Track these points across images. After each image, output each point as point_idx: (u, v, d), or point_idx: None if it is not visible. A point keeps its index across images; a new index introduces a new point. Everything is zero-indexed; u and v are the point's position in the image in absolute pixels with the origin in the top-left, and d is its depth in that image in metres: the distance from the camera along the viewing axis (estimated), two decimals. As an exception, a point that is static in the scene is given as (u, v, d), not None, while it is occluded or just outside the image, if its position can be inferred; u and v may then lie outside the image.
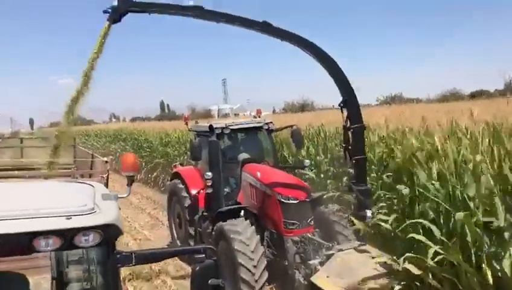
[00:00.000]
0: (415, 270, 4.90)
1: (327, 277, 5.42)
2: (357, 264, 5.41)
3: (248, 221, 7.02)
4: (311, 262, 6.05)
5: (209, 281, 2.14)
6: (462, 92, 35.42)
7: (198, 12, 6.03)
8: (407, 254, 5.08)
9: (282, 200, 6.99)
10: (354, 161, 6.13)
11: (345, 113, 6.19)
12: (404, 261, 5.00)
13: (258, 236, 6.73)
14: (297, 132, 8.77)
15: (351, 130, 6.12)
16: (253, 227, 6.83)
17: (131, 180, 2.76)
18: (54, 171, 6.09)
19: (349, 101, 6.12)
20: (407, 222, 5.47)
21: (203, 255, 2.25)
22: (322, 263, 5.82)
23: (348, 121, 6.17)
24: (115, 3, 5.91)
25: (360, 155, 6.09)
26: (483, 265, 4.61)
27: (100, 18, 5.93)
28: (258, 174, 7.64)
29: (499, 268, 4.48)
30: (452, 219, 5.05)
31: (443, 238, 4.96)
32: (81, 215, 2.01)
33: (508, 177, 4.84)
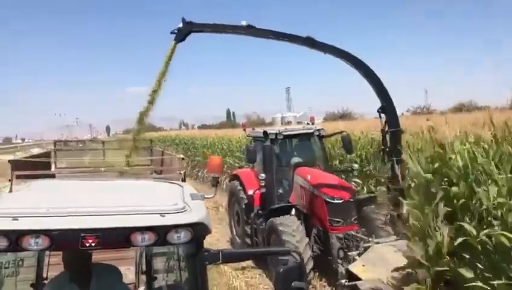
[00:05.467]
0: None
1: (363, 265, 5.97)
2: (391, 256, 5.87)
3: (296, 217, 7.74)
4: (350, 253, 6.63)
5: (293, 284, 2.12)
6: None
7: (249, 30, 6.92)
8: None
9: (328, 200, 7.62)
10: (391, 162, 6.61)
11: (383, 118, 6.71)
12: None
13: (304, 229, 7.42)
14: (347, 138, 9.31)
15: (389, 133, 6.62)
16: (299, 222, 7.55)
17: (216, 181, 2.85)
18: (134, 169, 6.90)
19: (388, 107, 6.64)
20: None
21: (288, 258, 2.24)
22: (360, 255, 6.38)
23: (386, 125, 6.68)
24: (180, 25, 6.99)
25: (397, 157, 6.56)
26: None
27: (168, 38, 7.09)
28: (308, 176, 8.30)
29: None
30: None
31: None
32: (174, 213, 2.09)
33: None
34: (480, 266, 4.29)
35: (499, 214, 4.15)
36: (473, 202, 4.49)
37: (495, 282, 4.04)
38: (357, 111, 44.96)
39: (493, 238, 4.13)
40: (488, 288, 4.06)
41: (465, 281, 4.36)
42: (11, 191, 2.52)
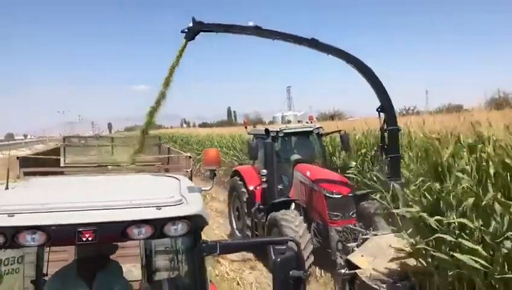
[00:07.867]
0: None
1: (362, 256, 6.29)
2: (388, 247, 6.21)
3: (297, 212, 8.07)
4: (349, 245, 6.95)
5: (291, 273, 2.13)
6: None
7: (256, 31, 7.24)
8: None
9: (327, 194, 7.98)
10: (389, 159, 6.95)
11: (382, 117, 7.06)
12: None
13: (305, 224, 7.75)
14: (346, 137, 9.67)
15: (387, 131, 6.96)
16: (302, 217, 7.88)
17: (213, 174, 2.84)
18: (141, 167, 7.07)
19: (386, 107, 6.98)
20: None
21: (285, 247, 2.23)
22: (358, 246, 6.70)
23: (385, 124, 7.03)
24: (190, 24, 7.28)
25: (395, 154, 6.91)
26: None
27: (176, 38, 7.41)
28: (308, 172, 8.64)
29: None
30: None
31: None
32: (170, 206, 2.10)
33: None
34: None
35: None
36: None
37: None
38: (355, 111, 46.39)
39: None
40: None
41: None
42: (7, 188, 2.47)
